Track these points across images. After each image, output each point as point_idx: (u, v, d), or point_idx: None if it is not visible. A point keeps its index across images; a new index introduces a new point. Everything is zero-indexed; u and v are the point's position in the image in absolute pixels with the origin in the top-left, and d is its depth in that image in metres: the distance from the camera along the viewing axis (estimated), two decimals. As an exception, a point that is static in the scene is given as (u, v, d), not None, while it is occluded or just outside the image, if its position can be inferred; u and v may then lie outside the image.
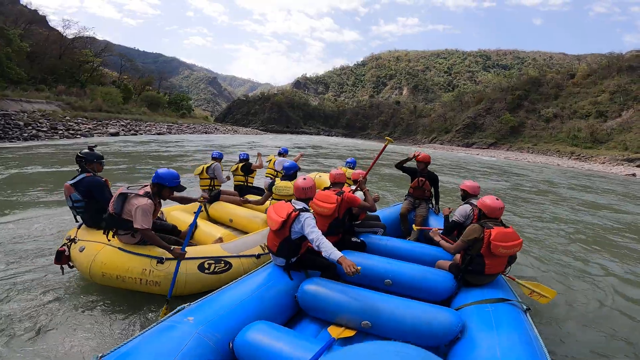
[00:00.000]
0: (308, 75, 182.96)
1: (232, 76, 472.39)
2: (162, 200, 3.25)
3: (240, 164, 5.67)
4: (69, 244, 3.28)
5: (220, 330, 2.01)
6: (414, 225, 4.35)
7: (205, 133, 43.46)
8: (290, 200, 2.85)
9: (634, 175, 32.63)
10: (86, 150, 3.55)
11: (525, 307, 2.45)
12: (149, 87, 58.73)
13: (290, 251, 2.72)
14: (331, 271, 2.86)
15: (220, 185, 5.28)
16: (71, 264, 3.28)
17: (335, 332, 2.35)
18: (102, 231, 3.19)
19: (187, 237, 3.19)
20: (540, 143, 61.25)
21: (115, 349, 1.73)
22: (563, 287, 4.35)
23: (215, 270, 3.19)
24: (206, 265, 3.16)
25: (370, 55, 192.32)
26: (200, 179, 5.16)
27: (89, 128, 24.09)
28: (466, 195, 3.83)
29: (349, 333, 2.37)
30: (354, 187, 3.86)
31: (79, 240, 3.28)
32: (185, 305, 2.16)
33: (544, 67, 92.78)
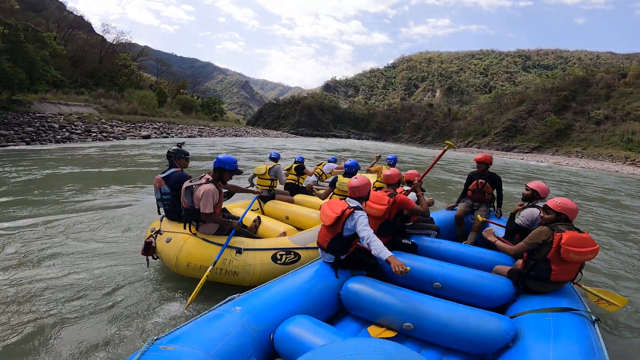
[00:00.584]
0: (338, 79, 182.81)
1: (264, 80, 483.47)
2: (224, 191, 3.48)
3: (295, 165, 5.97)
4: (154, 235, 3.45)
5: (263, 322, 2.07)
6: (478, 216, 4.08)
7: (235, 136, 43.95)
8: (345, 198, 2.88)
9: None
10: (175, 147, 3.76)
11: (594, 318, 2.20)
12: (184, 91, 60.39)
13: (341, 248, 2.73)
14: (377, 271, 2.85)
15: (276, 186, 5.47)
16: (156, 256, 3.46)
17: (374, 332, 2.29)
18: (182, 223, 3.42)
19: (243, 215, 3.72)
20: (590, 147, 56.60)
21: (168, 334, 1.81)
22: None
23: (286, 260, 3.33)
24: (278, 256, 3.31)
25: (400, 57, 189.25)
26: (260, 178, 5.25)
27: (122, 130, 24.38)
28: (534, 197, 3.53)
29: (389, 334, 2.30)
30: (407, 188, 3.82)
31: (164, 231, 3.46)
32: (235, 295, 2.23)
33: (591, 67, 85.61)
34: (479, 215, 4.08)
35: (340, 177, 4.53)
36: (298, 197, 5.55)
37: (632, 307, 3.61)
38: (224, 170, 3.35)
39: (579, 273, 2.64)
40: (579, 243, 2.40)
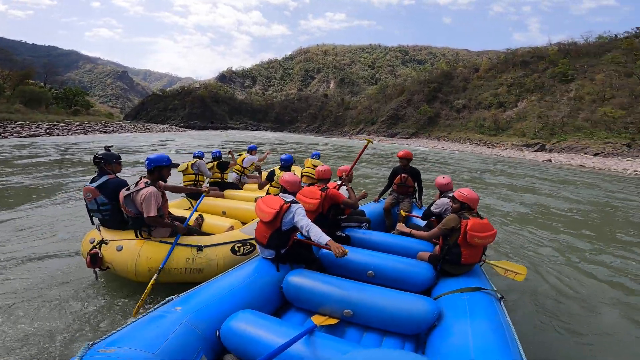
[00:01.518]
0: (234, 69, 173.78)
1: (147, 70, 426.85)
2: (164, 192, 3.34)
3: (216, 162, 5.88)
4: (98, 246, 3.26)
5: (207, 319, 2.07)
6: (401, 211, 4.47)
7: (105, 132, 36.51)
8: (277, 194, 2.97)
9: (549, 161, 35.96)
10: (103, 151, 3.51)
11: (499, 295, 2.50)
12: (31, 82, 48.88)
13: (280, 242, 2.78)
14: (316, 264, 3.01)
15: (204, 181, 5.41)
16: (105, 267, 3.26)
17: (318, 320, 2.36)
18: (128, 230, 3.33)
19: (189, 217, 3.64)
20: (453, 132, 66.59)
21: (106, 337, 1.76)
22: (534, 274, 4.48)
23: (244, 252, 3.50)
24: (236, 248, 3.47)
25: (298, 49, 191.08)
26: (185, 174, 5.23)
27: None
28: (441, 191, 4.11)
29: (332, 321, 2.40)
30: (338, 183, 4.06)
31: (110, 240, 3.27)
32: (173, 296, 2.21)
33: (453, 62, 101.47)
34: (401, 211, 4.51)
35: (277, 171, 4.97)
36: (228, 192, 5.62)
37: (526, 284, 3.99)
38: (162, 168, 3.31)
39: (483, 255, 3.01)
40: (481, 228, 2.74)
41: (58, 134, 28.84)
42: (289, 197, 2.86)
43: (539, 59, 70.37)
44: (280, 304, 2.72)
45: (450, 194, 3.53)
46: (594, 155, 44.82)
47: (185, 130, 65.81)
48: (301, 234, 3.01)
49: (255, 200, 4.68)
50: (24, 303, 3.02)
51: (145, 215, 3.05)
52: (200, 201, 4.07)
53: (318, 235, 2.58)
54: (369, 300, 2.38)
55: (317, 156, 6.35)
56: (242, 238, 3.57)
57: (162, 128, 59.95)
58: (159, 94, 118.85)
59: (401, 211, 4.48)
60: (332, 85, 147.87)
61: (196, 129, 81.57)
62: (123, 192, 3.13)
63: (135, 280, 3.19)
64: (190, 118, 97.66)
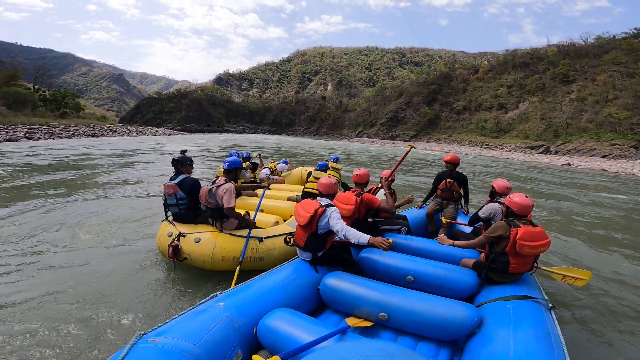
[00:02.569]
0: (231, 72, 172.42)
1: (144, 73, 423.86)
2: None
3: (247, 162, 6.42)
4: (177, 238, 3.59)
5: (247, 316, 2.16)
6: (443, 217, 4.28)
7: (93, 136, 34.80)
8: (315, 198, 3.00)
9: (569, 165, 34.35)
10: (180, 155, 3.99)
11: (550, 304, 2.39)
12: (19, 83, 47.30)
13: (317, 245, 2.81)
14: (353, 267, 3.00)
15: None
16: (183, 257, 3.57)
17: (353, 322, 2.36)
18: (200, 224, 3.80)
19: (256, 211, 4.19)
20: (454, 134, 65.44)
21: (155, 328, 1.87)
22: (596, 283, 4.23)
23: (292, 242, 3.81)
24: (287, 239, 3.88)
25: (295, 52, 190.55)
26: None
27: None
28: (494, 194, 3.88)
29: (366, 324, 2.39)
30: (378, 186, 4.18)
31: (188, 233, 3.63)
32: (217, 292, 2.32)
33: (451, 64, 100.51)
34: (443, 217, 4.28)
35: (314, 172, 6.02)
36: (259, 190, 5.67)
37: (584, 294, 3.87)
38: (238, 170, 3.90)
39: (535, 263, 2.86)
40: (533, 237, 2.59)
41: (39, 138, 27.01)
42: (325, 201, 2.89)
43: (539, 60, 69.55)
44: (317, 305, 2.73)
45: (502, 200, 3.51)
46: (602, 157, 43.78)
47: (181, 134, 64.10)
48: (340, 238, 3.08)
49: (288, 199, 5.44)
50: (90, 293, 3.28)
51: (225, 206, 3.53)
52: (262, 196, 4.48)
53: (357, 236, 2.62)
54: (406, 304, 2.34)
55: (336, 160, 6.72)
56: (290, 231, 3.97)
57: (157, 131, 58.12)
58: (155, 96, 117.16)
59: (443, 217, 4.23)
60: (329, 87, 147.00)
61: (192, 132, 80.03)
62: (206, 187, 3.66)
63: (209, 269, 3.60)
64: (186, 121, 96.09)
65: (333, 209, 2.78)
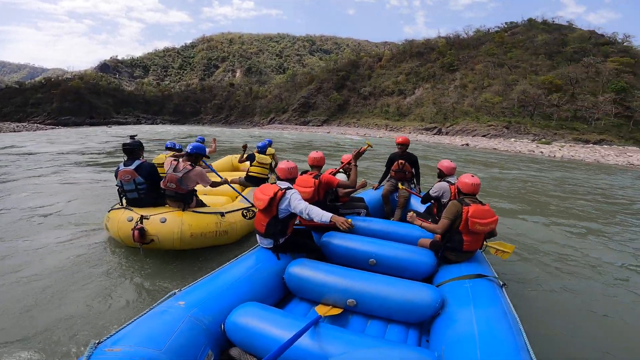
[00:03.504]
0: (120, 58, 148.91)
1: (0, 62, 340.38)
2: None
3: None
4: (140, 221, 3.55)
5: (211, 313, 2.04)
6: (399, 184, 4.49)
7: None
8: (274, 182, 2.92)
9: (467, 145, 37.31)
10: (132, 140, 3.93)
11: (501, 282, 2.49)
12: None
13: (278, 231, 2.74)
14: (316, 253, 3.00)
15: None
16: (148, 240, 3.55)
17: (322, 310, 2.34)
18: (159, 207, 3.86)
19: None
20: (362, 118, 68.36)
21: (111, 336, 1.73)
22: (532, 258, 4.55)
23: (250, 216, 4.25)
24: (244, 213, 4.24)
25: (201, 37, 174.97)
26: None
27: None
28: (442, 175, 3.99)
29: (336, 311, 2.37)
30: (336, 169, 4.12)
31: (151, 215, 3.61)
32: (175, 290, 2.17)
33: (358, 52, 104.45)
34: (400, 184, 4.52)
35: (257, 155, 5.63)
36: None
37: (526, 270, 4.11)
38: (200, 156, 4.01)
39: (485, 240, 2.99)
40: (483, 214, 2.67)
41: None
42: (285, 184, 2.83)
43: (431, 50, 76.68)
44: (283, 295, 2.68)
45: (451, 179, 3.75)
46: (483, 136, 50.13)
47: (53, 128, 51.78)
48: (300, 221, 3.23)
49: (231, 181, 5.37)
50: (38, 295, 3.06)
51: (205, 186, 3.98)
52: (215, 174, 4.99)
53: (320, 214, 2.62)
54: (372, 290, 2.36)
55: (270, 143, 6.48)
56: (245, 206, 4.37)
57: (18, 127, 45.41)
58: (16, 87, 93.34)
59: (401, 185, 4.51)
60: (238, 74, 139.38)
61: (70, 125, 65.96)
62: (174, 175, 3.72)
63: (178, 249, 3.68)
64: (61, 113, 78.69)
65: (293, 191, 2.75)
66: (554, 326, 3.04)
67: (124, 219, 3.65)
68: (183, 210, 3.75)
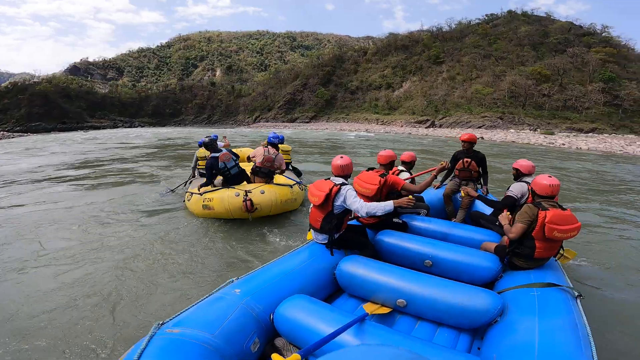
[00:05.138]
0: (92, 60, 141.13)
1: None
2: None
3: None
4: (246, 194, 4.60)
5: (263, 302, 2.10)
6: (465, 190, 3.98)
7: None
8: (329, 178, 2.91)
9: (482, 138, 35.56)
10: (211, 137, 5.25)
11: (577, 293, 2.23)
12: None
13: (333, 226, 2.73)
14: (370, 250, 2.90)
15: None
16: (254, 209, 4.62)
17: (370, 308, 2.29)
18: (243, 183, 5.21)
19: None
20: (351, 113, 66.86)
21: (172, 318, 1.84)
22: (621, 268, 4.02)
23: (303, 188, 5.79)
24: (300, 187, 5.77)
25: (177, 37, 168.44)
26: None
27: None
28: (519, 175, 3.66)
29: (384, 310, 2.32)
30: (401, 169, 4.20)
31: (252, 189, 4.75)
32: (233, 278, 2.26)
33: (342, 47, 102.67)
34: (465, 189, 3.98)
35: (279, 145, 6.38)
36: None
37: (612, 281, 3.66)
38: (276, 145, 5.78)
39: (561, 248, 2.76)
40: (563, 220, 2.43)
41: None
42: (339, 180, 2.82)
43: (416, 43, 75.91)
44: (333, 290, 2.67)
45: (529, 179, 3.41)
46: (478, 128, 49.35)
47: (22, 135, 47.33)
48: (356, 218, 3.32)
49: None
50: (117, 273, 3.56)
51: (283, 168, 5.42)
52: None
53: (381, 207, 2.64)
54: (425, 291, 2.26)
55: (282, 139, 6.64)
56: (290, 182, 5.52)
57: None
58: None
59: (466, 190, 3.89)
60: (218, 73, 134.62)
61: (40, 132, 61.10)
62: (270, 156, 5.18)
63: (273, 214, 4.98)
64: (30, 119, 73.17)
65: (348, 187, 2.74)
66: (630, 346, 2.66)
67: (232, 195, 4.65)
68: (267, 183, 5.01)
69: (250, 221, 4.83)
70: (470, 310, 2.11)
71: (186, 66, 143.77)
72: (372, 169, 3.47)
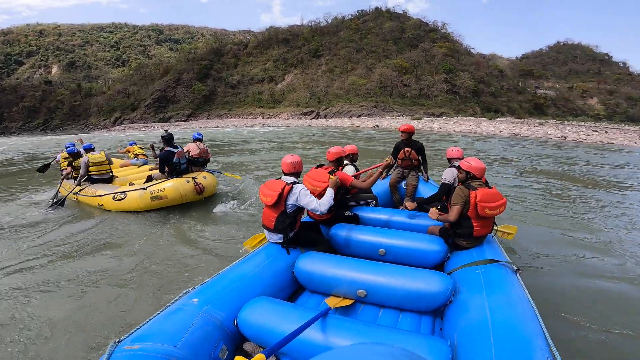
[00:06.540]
0: None
1: None
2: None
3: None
4: (193, 180, 5.59)
5: (224, 309, 2.05)
6: (406, 202, 4.01)
7: None
8: (280, 177, 2.88)
9: (377, 126, 35.30)
10: (169, 133, 5.76)
11: (515, 267, 2.38)
12: None
13: (287, 225, 2.71)
14: (325, 245, 2.95)
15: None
16: (202, 193, 5.67)
17: (332, 302, 2.32)
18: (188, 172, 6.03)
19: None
20: (234, 108, 62.44)
21: (130, 334, 1.75)
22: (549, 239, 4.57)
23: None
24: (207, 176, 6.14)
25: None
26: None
27: None
28: (450, 160, 3.92)
29: (346, 302, 2.35)
30: (346, 162, 4.21)
31: (197, 176, 5.70)
32: (189, 288, 2.18)
33: (219, 40, 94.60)
34: (405, 205, 4.03)
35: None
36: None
37: (543, 254, 4.00)
38: (200, 139, 6.64)
39: (494, 225, 2.97)
40: (491, 198, 2.62)
41: None
42: (291, 179, 2.80)
43: (296, 37, 76.19)
44: (294, 289, 2.67)
45: (456, 164, 3.40)
46: (358, 116, 51.97)
47: None
48: (310, 215, 3.37)
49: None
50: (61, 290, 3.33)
51: (208, 159, 6.59)
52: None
53: (329, 196, 2.77)
54: (383, 280, 2.32)
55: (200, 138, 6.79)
56: (213, 170, 6.79)
57: None
58: None
59: (407, 204, 3.81)
60: (55, 70, 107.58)
61: None
62: (205, 148, 6.42)
63: (211, 195, 6.13)
64: None
65: (301, 186, 2.73)
66: (572, 310, 2.93)
67: (183, 182, 5.46)
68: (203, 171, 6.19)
69: (203, 201, 5.83)
70: (427, 294, 2.19)
71: (7, 63, 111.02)
72: (321, 165, 3.48)
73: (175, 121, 57.53)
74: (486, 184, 2.79)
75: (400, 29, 72.11)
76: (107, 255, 4.08)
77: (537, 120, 46.96)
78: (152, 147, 7.64)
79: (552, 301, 2.99)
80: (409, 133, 4.52)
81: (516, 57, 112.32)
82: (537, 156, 14.28)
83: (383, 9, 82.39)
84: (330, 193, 2.76)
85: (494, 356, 1.55)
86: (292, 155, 2.93)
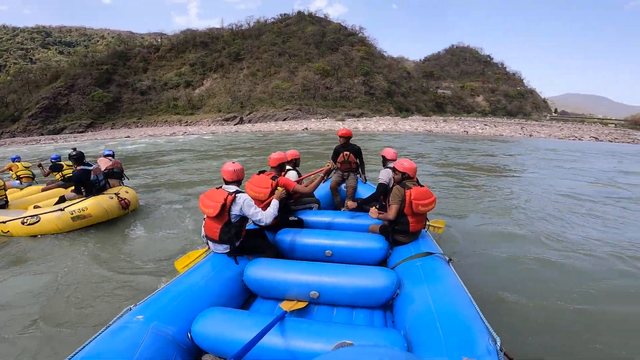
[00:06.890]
0: None
1: None
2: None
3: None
4: (117, 196, 5.47)
5: (174, 324, 1.97)
6: (347, 203, 4.01)
7: None
8: (220, 187, 2.77)
9: (306, 129, 33.29)
10: (79, 152, 5.31)
11: (447, 258, 2.55)
12: None
13: (233, 235, 2.65)
14: (272, 250, 2.91)
15: None
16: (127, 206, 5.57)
17: (287, 306, 2.34)
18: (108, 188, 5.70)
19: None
20: (144, 116, 56.46)
21: (72, 356, 1.61)
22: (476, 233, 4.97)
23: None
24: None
25: None
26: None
27: None
28: (385, 161, 4.01)
29: (300, 305, 2.37)
30: (288, 168, 4.16)
31: (120, 191, 5.59)
32: (131, 306, 2.04)
33: (127, 42, 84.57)
34: (346, 205, 4.04)
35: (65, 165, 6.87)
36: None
37: (470, 245, 4.39)
38: (112, 155, 6.66)
39: (427, 220, 3.16)
40: (423, 196, 2.81)
41: None
42: (232, 188, 2.71)
43: (216, 40, 72.21)
44: (246, 297, 2.65)
45: (391, 165, 3.55)
46: (283, 120, 50.65)
47: None
48: (254, 223, 3.13)
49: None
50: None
51: (123, 170, 6.43)
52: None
53: (274, 207, 2.80)
54: (332, 280, 2.37)
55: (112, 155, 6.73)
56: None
57: None
58: None
59: (347, 203, 3.94)
60: None
61: None
62: (118, 161, 6.34)
63: (133, 209, 5.85)
64: None
65: (244, 196, 2.67)
66: (502, 293, 3.20)
67: (106, 199, 5.26)
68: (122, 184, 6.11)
69: (130, 214, 5.62)
70: (375, 290, 2.28)
71: None
72: (263, 171, 3.47)
73: (71, 132, 49.10)
74: (418, 183, 2.96)
75: (322, 32, 73.29)
76: (20, 278, 3.76)
77: (441, 118, 52.06)
78: (40, 165, 7.29)
79: (481, 286, 3.25)
80: (347, 137, 4.69)
81: (420, 60, 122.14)
82: (447, 150, 16.09)
83: (305, 12, 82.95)
84: (275, 204, 2.80)
85: (443, 342, 1.66)
86: (233, 162, 2.84)
